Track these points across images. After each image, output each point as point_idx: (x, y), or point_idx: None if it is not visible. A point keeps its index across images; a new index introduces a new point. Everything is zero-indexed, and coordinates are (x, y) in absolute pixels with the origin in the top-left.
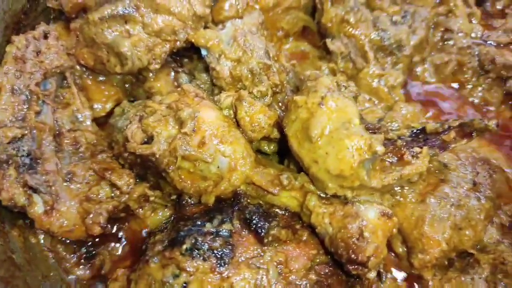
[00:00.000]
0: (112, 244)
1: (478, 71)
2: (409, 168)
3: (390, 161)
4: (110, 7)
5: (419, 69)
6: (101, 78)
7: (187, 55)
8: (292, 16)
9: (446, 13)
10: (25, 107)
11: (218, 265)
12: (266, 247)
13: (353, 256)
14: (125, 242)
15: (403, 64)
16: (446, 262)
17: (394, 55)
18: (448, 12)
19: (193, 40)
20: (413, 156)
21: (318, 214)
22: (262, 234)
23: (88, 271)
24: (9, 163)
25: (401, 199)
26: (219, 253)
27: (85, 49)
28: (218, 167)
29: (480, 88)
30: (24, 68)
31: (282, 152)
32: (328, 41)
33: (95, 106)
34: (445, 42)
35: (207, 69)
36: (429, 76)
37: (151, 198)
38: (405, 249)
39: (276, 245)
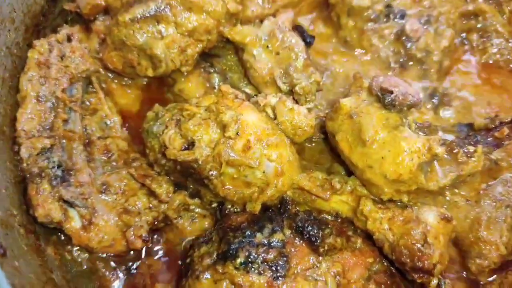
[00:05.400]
0: (150, 257)
1: None
2: (465, 168)
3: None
4: (141, 7)
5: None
6: (126, 82)
7: (218, 55)
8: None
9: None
10: (51, 115)
11: (274, 279)
12: (321, 257)
13: (418, 263)
14: (163, 255)
15: (433, 71)
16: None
17: (422, 63)
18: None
19: (229, 37)
20: (467, 156)
21: (376, 219)
22: (317, 243)
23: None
24: (42, 176)
25: (455, 200)
26: (275, 266)
27: (114, 52)
28: (264, 172)
29: None
30: (48, 74)
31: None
32: None
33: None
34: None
35: (240, 68)
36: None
37: (191, 207)
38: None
39: (332, 254)
